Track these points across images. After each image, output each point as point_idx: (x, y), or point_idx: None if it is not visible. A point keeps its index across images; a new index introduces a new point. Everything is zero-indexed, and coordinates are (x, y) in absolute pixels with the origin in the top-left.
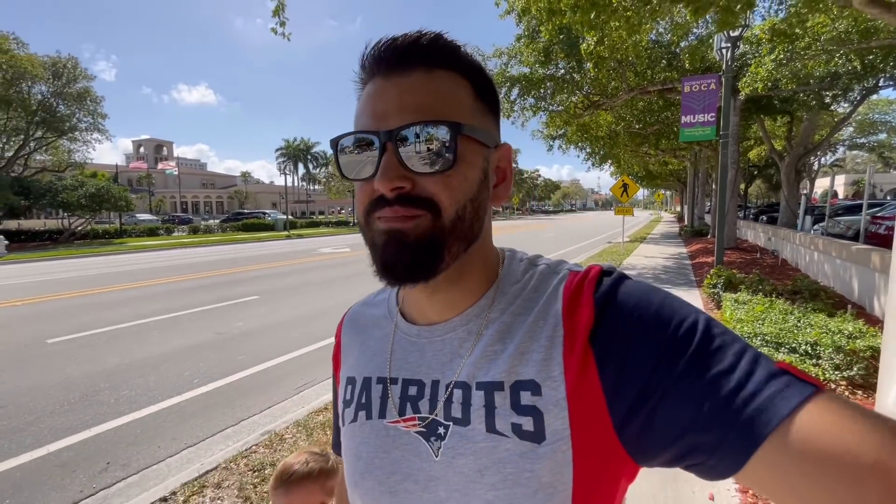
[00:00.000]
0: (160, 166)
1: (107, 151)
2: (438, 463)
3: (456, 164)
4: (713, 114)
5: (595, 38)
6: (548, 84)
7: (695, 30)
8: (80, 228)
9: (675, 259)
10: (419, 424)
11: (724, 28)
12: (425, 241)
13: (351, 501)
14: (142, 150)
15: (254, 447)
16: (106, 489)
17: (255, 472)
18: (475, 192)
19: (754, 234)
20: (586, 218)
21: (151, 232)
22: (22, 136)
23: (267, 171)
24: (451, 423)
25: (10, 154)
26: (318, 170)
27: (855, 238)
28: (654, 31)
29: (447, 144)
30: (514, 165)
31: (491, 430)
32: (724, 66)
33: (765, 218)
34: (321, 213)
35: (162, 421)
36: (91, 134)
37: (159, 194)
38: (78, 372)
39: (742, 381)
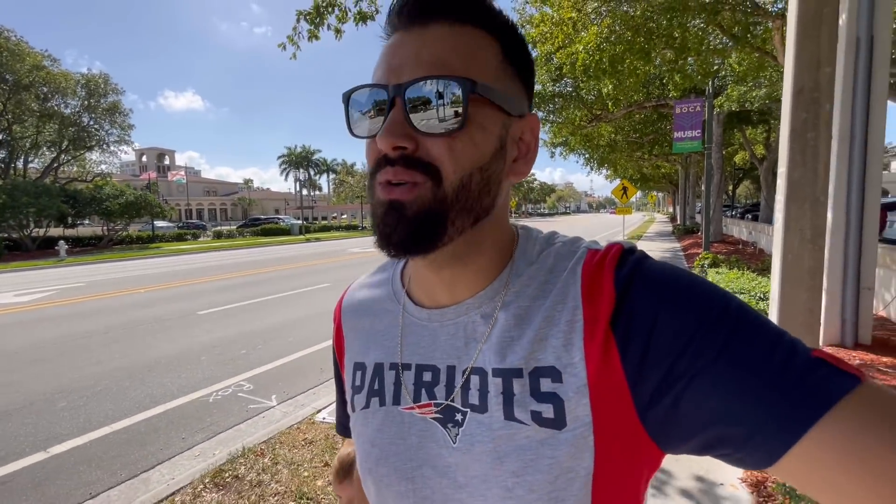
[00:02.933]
0: (171, 176)
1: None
2: (456, 449)
3: (465, 126)
4: (699, 130)
5: (613, 87)
6: (556, 100)
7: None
8: (116, 234)
9: (670, 251)
10: (435, 410)
11: (705, 79)
12: (425, 212)
13: (365, 488)
14: (144, 158)
15: None
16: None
17: None
18: (486, 162)
19: (738, 229)
20: (581, 220)
21: (179, 237)
22: (55, 149)
23: (259, 177)
24: (468, 410)
25: (44, 166)
26: (317, 176)
27: None
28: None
29: (456, 103)
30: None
31: (509, 417)
32: (706, 92)
33: (750, 216)
34: (324, 218)
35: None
36: (119, 145)
37: (168, 202)
38: (243, 329)
39: (778, 370)
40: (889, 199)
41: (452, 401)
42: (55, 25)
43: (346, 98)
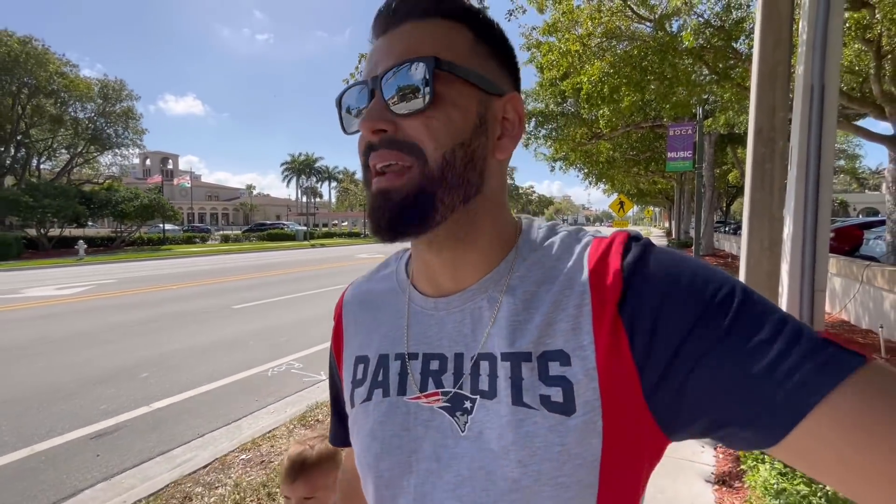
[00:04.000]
0: (176, 180)
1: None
2: (465, 438)
3: (435, 102)
4: (690, 151)
5: (611, 112)
6: (559, 119)
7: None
8: (128, 236)
9: None
10: (442, 399)
11: (692, 108)
12: (413, 192)
13: (364, 487)
14: (148, 162)
15: None
16: None
17: None
18: (467, 137)
19: (729, 244)
20: None
21: (188, 240)
22: (69, 151)
23: (258, 183)
24: (477, 397)
25: (58, 168)
26: (319, 184)
27: None
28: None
29: (423, 81)
30: (520, 129)
31: (517, 402)
32: (697, 116)
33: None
34: (325, 224)
35: None
36: (129, 148)
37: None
38: (278, 321)
39: (784, 350)
40: (871, 219)
41: (461, 388)
42: (56, 26)
43: (338, 101)
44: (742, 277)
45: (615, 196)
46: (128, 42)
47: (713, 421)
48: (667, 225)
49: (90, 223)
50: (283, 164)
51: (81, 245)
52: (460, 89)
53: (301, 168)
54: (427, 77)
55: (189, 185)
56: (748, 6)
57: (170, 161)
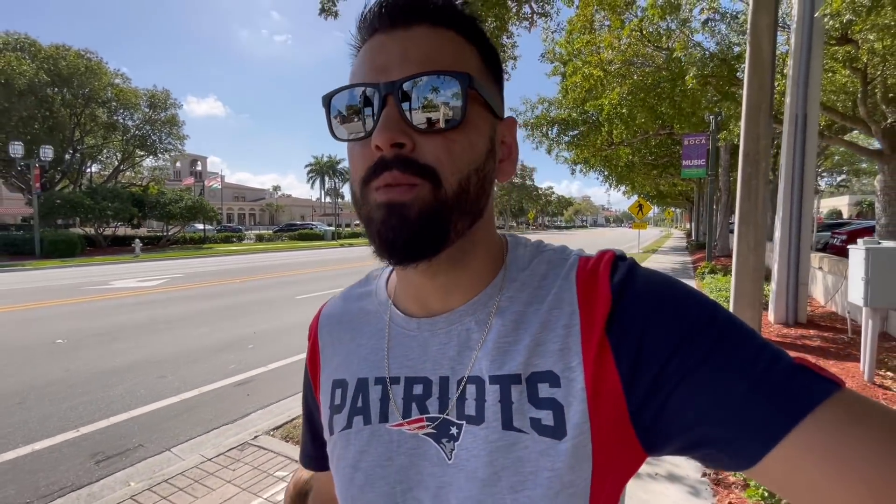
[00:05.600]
0: (207, 181)
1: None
2: (452, 466)
3: (463, 122)
4: (704, 159)
5: (625, 128)
6: (581, 126)
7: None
8: (174, 235)
9: (680, 263)
10: (428, 425)
11: (699, 127)
12: (427, 214)
13: None
14: (178, 164)
15: None
16: None
17: None
18: (481, 163)
19: None
20: (599, 234)
21: (227, 239)
22: (118, 156)
23: (278, 183)
24: (463, 423)
25: (108, 172)
26: (342, 185)
27: (822, 249)
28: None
29: (456, 98)
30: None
31: (508, 426)
32: (710, 127)
33: None
34: (347, 225)
35: None
36: (171, 153)
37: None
38: None
39: (761, 374)
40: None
41: (447, 414)
42: (81, 30)
43: (328, 100)
44: (733, 272)
45: (635, 198)
46: (151, 45)
47: (692, 440)
48: (688, 226)
49: (118, 224)
50: (307, 166)
51: (138, 244)
52: (480, 112)
53: (325, 170)
54: (461, 94)
55: (220, 187)
56: (746, 43)
57: (199, 163)
